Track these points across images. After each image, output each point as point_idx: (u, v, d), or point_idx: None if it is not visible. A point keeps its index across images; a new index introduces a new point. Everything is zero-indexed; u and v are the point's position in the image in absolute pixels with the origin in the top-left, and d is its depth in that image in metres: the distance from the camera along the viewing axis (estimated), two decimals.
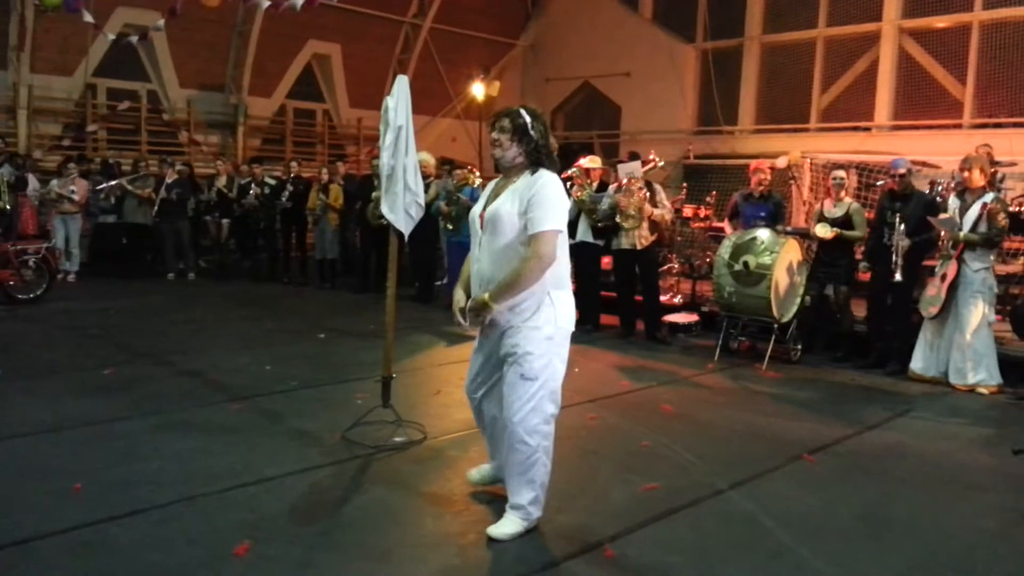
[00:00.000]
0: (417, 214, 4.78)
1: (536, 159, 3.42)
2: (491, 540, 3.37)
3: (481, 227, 3.47)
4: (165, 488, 3.79)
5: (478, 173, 10.15)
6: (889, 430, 5.28)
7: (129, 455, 4.24)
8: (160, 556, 3.14)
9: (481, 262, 3.45)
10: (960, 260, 6.25)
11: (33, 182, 10.17)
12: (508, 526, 3.41)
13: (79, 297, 9.25)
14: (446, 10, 15.24)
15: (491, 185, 3.63)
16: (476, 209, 3.55)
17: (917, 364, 6.55)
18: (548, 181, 3.35)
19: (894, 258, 6.52)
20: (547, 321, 3.35)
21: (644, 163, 7.99)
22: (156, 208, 10.79)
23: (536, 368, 3.32)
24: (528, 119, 3.41)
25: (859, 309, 7.32)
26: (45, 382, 5.62)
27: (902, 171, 6.81)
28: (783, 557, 3.37)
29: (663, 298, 8.61)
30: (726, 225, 7.96)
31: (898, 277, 6.49)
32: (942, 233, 6.35)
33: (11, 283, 8.41)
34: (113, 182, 10.99)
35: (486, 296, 3.33)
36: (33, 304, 8.49)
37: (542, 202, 3.28)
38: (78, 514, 3.48)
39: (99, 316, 8.16)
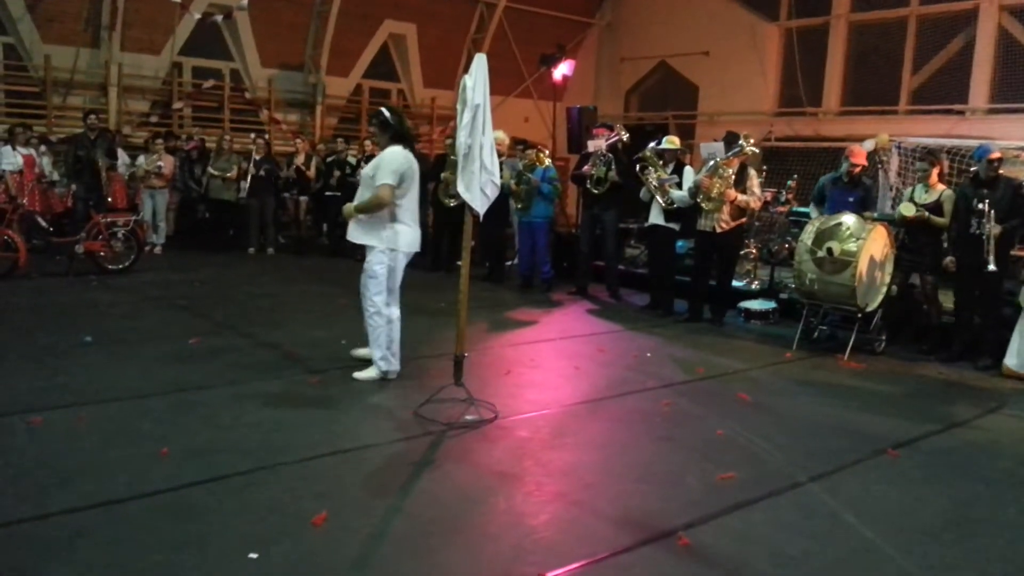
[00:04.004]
0: (492, 193, 4.76)
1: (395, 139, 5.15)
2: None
3: None
4: (248, 456, 3.90)
5: (548, 152, 10.07)
6: (979, 427, 5.05)
7: (213, 423, 4.38)
8: (244, 522, 3.24)
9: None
10: None
11: (123, 157, 10.57)
12: (369, 372, 5.38)
13: (165, 269, 9.58)
14: None
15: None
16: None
17: (1012, 360, 6.23)
18: (386, 153, 5.12)
19: (986, 247, 6.21)
20: (385, 240, 5.16)
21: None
22: (248, 185, 11.00)
23: (375, 270, 5.25)
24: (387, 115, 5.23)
25: (947, 300, 7.00)
26: (134, 349, 5.85)
27: (997, 155, 6.47)
28: (866, 553, 3.26)
29: (739, 283, 8.40)
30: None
31: (992, 267, 6.18)
32: None
33: (102, 254, 8.77)
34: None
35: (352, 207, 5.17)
36: (122, 275, 8.83)
37: (381, 166, 5.06)
38: (166, 478, 3.61)
39: (184, 287, 8.44)
